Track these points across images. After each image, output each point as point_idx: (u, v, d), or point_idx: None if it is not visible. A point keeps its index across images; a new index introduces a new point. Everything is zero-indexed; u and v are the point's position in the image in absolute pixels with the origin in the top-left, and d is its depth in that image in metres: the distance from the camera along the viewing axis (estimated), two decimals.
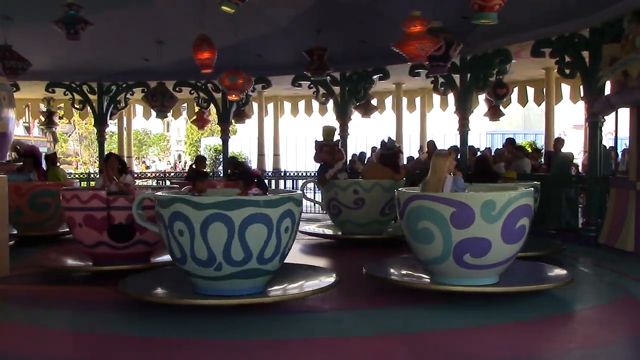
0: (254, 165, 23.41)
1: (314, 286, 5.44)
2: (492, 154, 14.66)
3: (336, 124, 13.76)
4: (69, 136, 47.30)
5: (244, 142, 31.97)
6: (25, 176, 9.97)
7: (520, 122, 38.69)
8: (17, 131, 34.05)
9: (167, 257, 6.92)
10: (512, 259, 5.60)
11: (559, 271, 6.01)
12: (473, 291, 5.48)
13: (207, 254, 4.95)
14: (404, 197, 5.68)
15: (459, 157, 11.86)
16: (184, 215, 4.92)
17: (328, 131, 9.78)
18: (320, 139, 9.93)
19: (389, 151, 9.56)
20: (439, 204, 5.33)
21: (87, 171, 25.08)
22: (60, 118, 18.08)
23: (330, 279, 5.57)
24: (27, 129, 34.31)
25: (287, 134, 22.64)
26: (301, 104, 17.63)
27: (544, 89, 13.69)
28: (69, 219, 6.98)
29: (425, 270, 5.94)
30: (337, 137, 10.05)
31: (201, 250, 4.95)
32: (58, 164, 11.91)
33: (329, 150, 9.41)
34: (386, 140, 9.88)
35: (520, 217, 5.38)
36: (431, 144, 13.25)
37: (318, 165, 9.88)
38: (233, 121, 15.61)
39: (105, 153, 9.76)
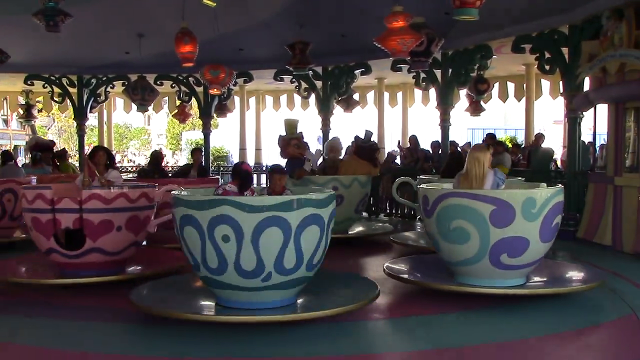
0: (235, 159, 23.37)
1: (350, 297, 4.81)
2: None
3: (318, 119, 13.82)
4: (48, 129, 46.76)
5: (225, 136, 31.84)
6: (42, 169, 10.19)
7: (501, 117, 38.98)
8: None
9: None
10: (542, 258, 5.43)
11: (583, 270, 5.84)
12: (522, 294, 5.21)
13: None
14: (435, 195, 5.29)
15: (440, 152, 11.94)
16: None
17: (291, 124, 9.19)
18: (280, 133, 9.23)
19: (366, 144, 9.29)
20: (478, 202, 5.01)
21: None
22: (39, 111, 17.89)
23: (367, 289, 4.96)
24: (5, 121, 33.90)
25: (269, 128, 22.59)
26: (283, 98, 17.63)
27: (524, 85, 13.83)
28: (24, 221, 6.21)
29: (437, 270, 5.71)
30: (299, 129, 9.33)
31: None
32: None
33: (297, 143, 8.88)
34: (362, 135, 9.32)
35: (556, 214, 5.22)
36: (413, 138, 13.31)
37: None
38: (215, 115, 15.56)
39: (92, 146, 9.59)
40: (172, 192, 4.79)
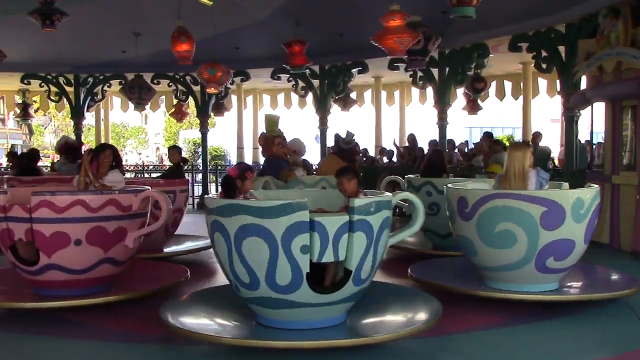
0: (232, 158, 23.27)
1: (408, 316, 4.27)
2: (470, 147, 14.80)
3: (315, 117, 13.81)
4: (45, 128, 46.69)
5: (223, 135, 31.81)
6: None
7: (499, 116, 39.04)
8: None
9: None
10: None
11: (609, 273, 5.73)
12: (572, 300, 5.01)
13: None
14: (477, 196, 4.96)
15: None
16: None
17: (272, 120, 8.58)
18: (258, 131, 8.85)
19: (348, 145, 9.15)
20: (528, 203, 4.76)
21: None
22: (36, 110, 17.86)
23: (426, 305, 4.37)
24: (2, 121, 33.85)
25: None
26: (280, 97, 17.61)
27: (521, 83, 13.83)
28: None
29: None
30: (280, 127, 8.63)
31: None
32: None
33: (281, 142, 8.24)
34: (343, 135, 8.96)
35: (597, 215, 5.10)
36: (411, 137, 13.32)
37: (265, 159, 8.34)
38: (212, 114, 15.54)
39: (99, 144, 9.30)
40: (206, 197, 4.31)
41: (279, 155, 8.07)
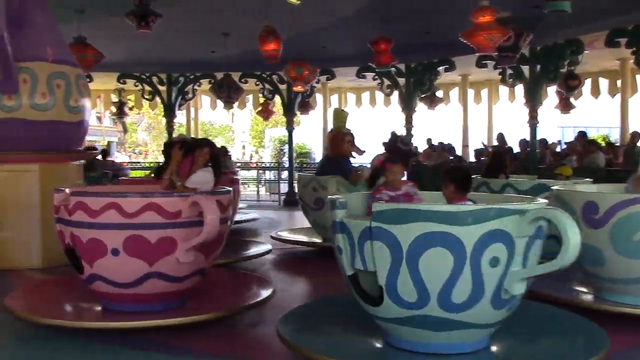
0: (317, 156, 23.38)
1: (568, 348, 3.68)
2: (563, 147, 14.27)
3: (401, 116, 13.70)
4: (138, 126, 48.66)
5: (308, 133, 32.09)
6: None
7: (594, 115, 37.49)
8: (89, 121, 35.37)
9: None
10: None
11: None
12: None
13: None
14: (612, 201, 4.52)
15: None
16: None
17: (341, 115, 8.04)
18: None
19: (406, 146, 8.95)
20: None
21: (157, 160, 25.74)
22: (131, 109, 18.61)
23: (587, 333, 3.83)
24: (99, 118, 35.52)
25: (350, 125, 22.61)
26: (365, 96, 17.58)
27: (619, 81, 13.23)
28: None
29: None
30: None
31: None
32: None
33: (352, 140, 7.79)
34: (402, 134, 9.00)
35: None
36: (500, 136, 13.01)
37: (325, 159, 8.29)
38: (298, 112, 15.71)
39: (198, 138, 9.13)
40: (330, 197, 3.78)
41: (347, 155, 7.72)
